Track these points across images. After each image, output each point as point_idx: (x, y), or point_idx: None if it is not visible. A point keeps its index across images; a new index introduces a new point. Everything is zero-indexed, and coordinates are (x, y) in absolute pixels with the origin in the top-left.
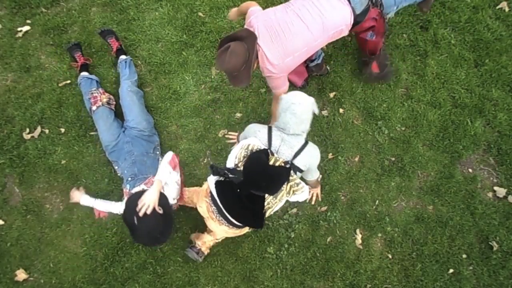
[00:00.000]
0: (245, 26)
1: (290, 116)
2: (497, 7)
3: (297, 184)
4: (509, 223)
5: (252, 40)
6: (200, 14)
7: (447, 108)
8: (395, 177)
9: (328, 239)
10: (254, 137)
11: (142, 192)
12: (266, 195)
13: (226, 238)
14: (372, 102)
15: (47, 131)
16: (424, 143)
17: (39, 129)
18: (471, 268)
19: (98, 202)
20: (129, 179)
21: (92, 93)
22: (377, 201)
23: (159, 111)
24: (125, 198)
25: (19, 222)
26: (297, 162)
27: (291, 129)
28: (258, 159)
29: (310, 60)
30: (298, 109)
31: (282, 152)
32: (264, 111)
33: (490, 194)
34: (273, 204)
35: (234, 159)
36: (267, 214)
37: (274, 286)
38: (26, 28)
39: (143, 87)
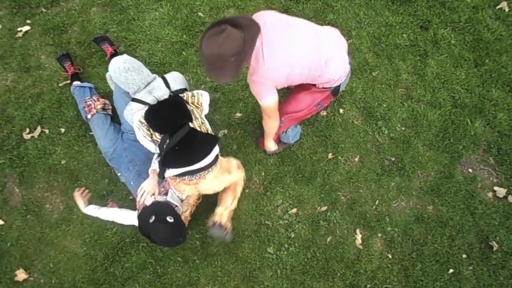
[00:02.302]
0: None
1: (130, 74)
2: (497, 7)
3: (194, 95)
4: (509, 223)
5: (254, 31)
6: (200, 14)
7: (447, 108)
8: (395, 177)
9: (328, 239)
10: (136, 114)
11: (151, 206)
12: (191, 124)
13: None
14: (372, 102)
15: (47, 131)
16: (424, 143)
17: (39, 129)
18: (471, 268)
19: (102, 212)
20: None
21: (86, 102)
22: (377, 201)
23: None
24: (139, 209)
25: (19, 222)
26: (173, 87)
27: (142, 80)
28: (152, 110)
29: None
30: (126, 65)
31: (161, 96)
32: None
33: (490, 194)
34: (201, 125)
35: (145, 138)
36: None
37: (274, 286)
38: (26, 28)
39: None
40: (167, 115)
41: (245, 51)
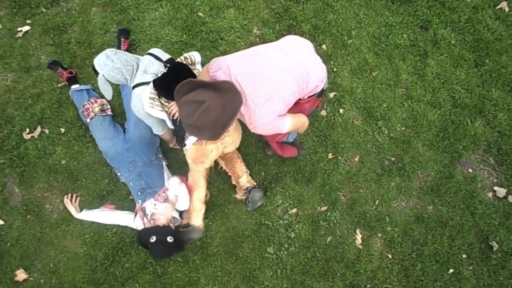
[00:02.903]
0: (216, 72)
1: (119, 55)
2: (497, 7)
3: (186, 58)
4: (509, 223)
5: (234, 95)
6: (200, 14)
7: (447, 108)
8: (395, 177)
9: (328, 239)
10: (143, 94)
11: (152, 228)
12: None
13: (226, 239)
14: (372, 102)
15: (47, 131)
16: (424, 143)
17: (39, 129)
18: (471, 268)
19: (96, 216)
20: (139, 193)
21: (84, 106)
22: (377, 201)
23: None
24: (138, 213)
25: (19, 222)
26: (164, 58)
27: (132, 58)
28: (162, 79)
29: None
30: (109, 52)
31: (157, 70)
32: None
33: (490, 194)
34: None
35: (162, 112)
36: None
37: (274, 286)
38: (26, 28)
39: None
40: (177, 79)
41: (226, 116)
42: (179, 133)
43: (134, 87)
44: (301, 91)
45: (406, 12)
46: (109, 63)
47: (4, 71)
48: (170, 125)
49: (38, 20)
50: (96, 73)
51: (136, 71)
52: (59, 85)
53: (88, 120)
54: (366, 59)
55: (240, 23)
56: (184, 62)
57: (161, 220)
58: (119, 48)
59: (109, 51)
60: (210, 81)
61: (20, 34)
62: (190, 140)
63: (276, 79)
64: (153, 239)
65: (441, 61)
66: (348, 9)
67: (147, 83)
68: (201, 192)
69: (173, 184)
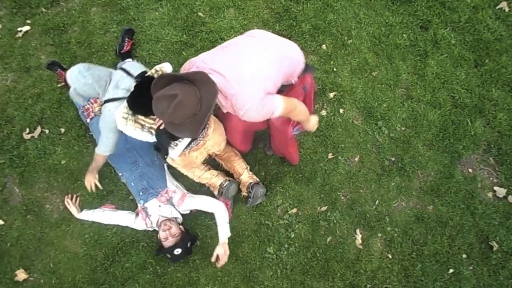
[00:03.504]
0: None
1: (91, 70)
2: (497, 7)
3: (157, 70)
4: (509, 223)
5: (211, 87)
6: (200, 14)
7: (447, 108)
8: (395, 177)
9: (328, 239)
10: (116, 113)
11: (175, 244)
12: None
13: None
14: (372, 102)
15: (47, 131)
16: (424, 143)
17: (39, 129)
18: (471, 268)
19: (98, 216)
20: (141, 193)
21: (84, 107)
22: (377, 201)
23: None
24: (140, 214)
25: (19, 222)
26: (135, 73)
27: (104, 72)
28: (134, 97)
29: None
30: (82, 67)
31: (129, 85)
32: None
33: (490, 194)
34: None
35: (136, 131)
36: None
37: (274, 286)
38: (26, 28)
39: None
40: (146, 95)
41: (203, 110)
42: (163, 145)
43: (106, 101)
44: (284, 67)
45: (406, 12)
46: (81, 79)
47: (4, 71)
48: (151, 139)
49: (38, 20)
50: (68, 85)
51: (108, 85)
52: (59, 85)
53: (88, 120)
54: (366, 59)
55: (240, 23)
56: (155, 75)
57: (174, 228)
58: (122, 48)
59: (82, 67)
60: (183, 73)
61: (20, 34)
62: (176, 152)
63: (255, 58)
64: (178, 251)
65: (441, 61)
66: (348, 9)
67: (119, 99)
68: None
69: (220, 209)
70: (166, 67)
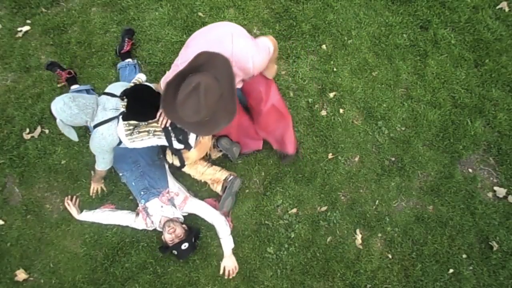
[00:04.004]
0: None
1: (77, 101)
2: (497, 7)
3: (135, 83)
4: (509, 223)
5: (219, 61)
6: (200, 14)
7: (447, 108)
8: (395, 177)
9: (328, 239)
10: (118, 131)
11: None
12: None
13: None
14: (372, 102)
15: (47, 131)
16: (424, 143)
17: (39, 129)
18: (471, 268)
19: (98, 216)
20: (142, 193)
21: None
22: (377, 201)
23: None
24: (140, 214)
25: (19, 222)
26: (117, 92)
27: (89, 100)
28: (130, 109)
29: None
30: (67, 98)
31: (115, 105)
32: None
33: (490, 194)
34: None
35: (144, 141)
36: None
37: (274, 286)
38: (26, 28)
39: None
40: (145, 100)
41: (225, 83)
42: (181, 140)
43: (96, 125)
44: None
45: (406, 12)
46: (67, 110)
47: (4, 71)
48: (163, 142)
49: (38, 20)
50: (54, 116)
51: (96, 110)
52: (59, 85)
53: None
54: (366, 59)
55: (240, 23)
56: None
57: (178, 229)
58: (122, 48)
59: (66, 98)
60: (184, 68)
61: (20, 34)
62: (192, 139)
63: (220, 29)
64: (185, 246)
65: (441, 61)
66: (348, 9)
67: (108, 120)
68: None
69: (221, 221)
70: (142, 77)
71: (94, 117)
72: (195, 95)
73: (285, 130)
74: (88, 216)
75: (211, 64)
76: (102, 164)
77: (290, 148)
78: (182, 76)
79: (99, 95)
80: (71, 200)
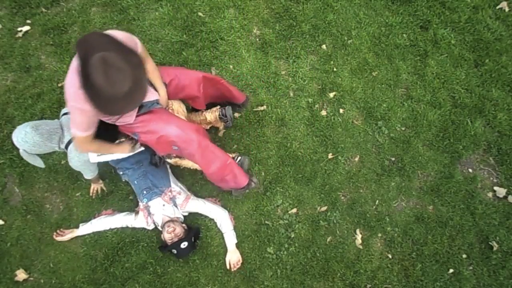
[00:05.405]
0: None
1: (40, 129)
2: (497, 7)
3: None
4: (509, 223)
5: (95, 38)
6: (200, 14)
7: (447, 108)
8: (395, 177)
9: (328, 239)
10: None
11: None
12: None
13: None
14: (372, 102)
15: None
16: (424, 143)
17: None
18: (471, 268)
19: (96, 225)
20: (144, 192)
21: None
22: (377, 201)
23: None
24: (142, 212)
25: (19, 222)
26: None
27: (53, 124)
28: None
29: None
30: (28, 128)
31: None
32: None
33: (490, 194)
34: None
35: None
36: None
37: (274, 286)
38: (26, 28)
39: None
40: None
41: (119, 48)
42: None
43: (67, 145)
44: None
45: (406, 12)
46: (29, 140)
47: (4, 71)
48: (138, 147)
49: (38, 20)
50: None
51: (63, 133)
52: (59, 85)
53: None
54: (366, 59)
55: (240, 23)
56: None
57: (178, 229)
58: None
59: (28, 128)
60: (79, 63)
61: (20, 34)
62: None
63: None
64: (185, 245)
65: (441, 61)
66: (348, 9)
67: None
68: None
69: (224, 216)
70: None
71: (63, 140)
72: (110, 66)
73: (225, 167)
74: (86, 228)
75: (90, 45)
76: (90, 173)
77: (242, 180)
78: (83, 70)
79: (59, 117)
80: (58, 232)
